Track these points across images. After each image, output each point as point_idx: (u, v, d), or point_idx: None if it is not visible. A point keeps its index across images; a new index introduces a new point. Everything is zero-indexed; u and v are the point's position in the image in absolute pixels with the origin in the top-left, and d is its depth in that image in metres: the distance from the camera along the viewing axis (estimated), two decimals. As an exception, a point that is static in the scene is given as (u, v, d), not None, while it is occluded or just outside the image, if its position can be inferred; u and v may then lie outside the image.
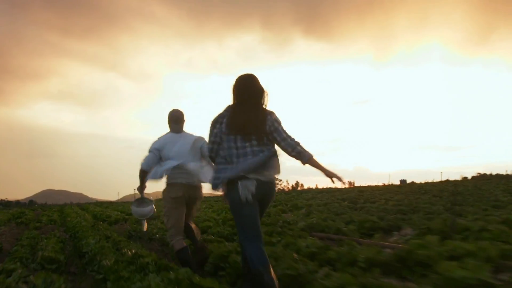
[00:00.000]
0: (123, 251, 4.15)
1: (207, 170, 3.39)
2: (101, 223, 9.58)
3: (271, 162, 2.38)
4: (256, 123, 2.35)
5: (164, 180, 3.58)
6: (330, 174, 2.33)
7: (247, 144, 2.34)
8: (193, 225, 3.82)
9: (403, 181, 39.65)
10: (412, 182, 36.16)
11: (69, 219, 10.61)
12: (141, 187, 3.69)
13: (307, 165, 2.37)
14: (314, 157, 2.36)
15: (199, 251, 3.76)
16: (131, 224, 9.18)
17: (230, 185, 2.35)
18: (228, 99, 2.51)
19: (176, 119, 3.65)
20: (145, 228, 4.05)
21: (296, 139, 2.39)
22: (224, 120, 2.40)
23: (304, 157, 2.35)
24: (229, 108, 2.46)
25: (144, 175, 3.55)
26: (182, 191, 3.49)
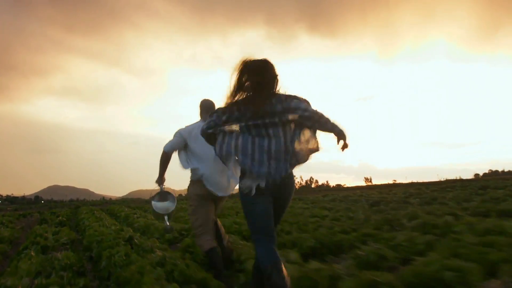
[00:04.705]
0: None
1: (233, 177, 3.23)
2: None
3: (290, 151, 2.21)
4: (271, 109, 2.15)
5: (188, 175, 3.41)
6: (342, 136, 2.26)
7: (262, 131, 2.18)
8: (219, 223, 3.56)
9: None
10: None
11: (120, 271, 3.36)
12: (161, 178, 3.45)
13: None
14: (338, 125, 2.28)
15: (225, 253, 3.48)
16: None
17: (241, 177, 2.22)
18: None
19: (207, 108, 3.42)
20: (168, 223, 3.56)
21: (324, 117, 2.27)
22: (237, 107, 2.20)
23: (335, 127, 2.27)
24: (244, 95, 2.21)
25: (166, 159, 3.35)
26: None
